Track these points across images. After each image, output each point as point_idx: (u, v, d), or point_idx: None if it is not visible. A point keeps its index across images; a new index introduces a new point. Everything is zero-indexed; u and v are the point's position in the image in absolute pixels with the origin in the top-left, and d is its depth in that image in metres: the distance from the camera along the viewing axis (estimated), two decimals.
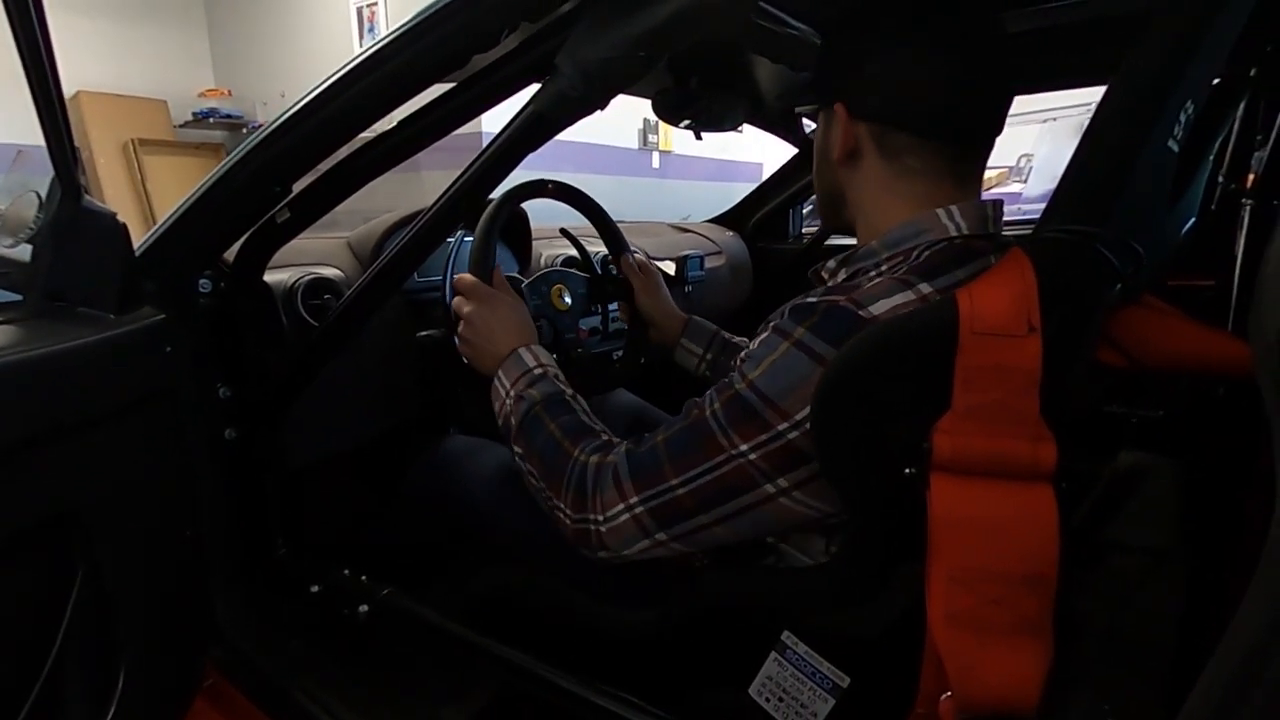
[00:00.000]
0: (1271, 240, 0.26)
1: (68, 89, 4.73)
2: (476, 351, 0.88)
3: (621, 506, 0.67)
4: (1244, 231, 0.92)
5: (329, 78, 0.74)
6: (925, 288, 0.59)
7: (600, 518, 0.68)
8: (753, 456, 0.61)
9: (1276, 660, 0.27)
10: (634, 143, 5.41)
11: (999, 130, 0.68)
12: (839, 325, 0.58)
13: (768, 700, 0.65)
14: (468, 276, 0.90)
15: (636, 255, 1.18)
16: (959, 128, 0.66)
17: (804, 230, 2.11)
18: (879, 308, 0.58)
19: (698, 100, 1.23)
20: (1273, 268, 0.26)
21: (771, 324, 0.65)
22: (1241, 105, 1.09)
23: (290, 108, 0.77)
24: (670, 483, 0.65)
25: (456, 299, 0.91)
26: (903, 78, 0.65)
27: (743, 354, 0.66)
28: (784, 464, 0.61)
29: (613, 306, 1.32)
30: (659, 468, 0.66)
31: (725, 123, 1.30)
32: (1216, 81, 1.01)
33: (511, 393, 0.81)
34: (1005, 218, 0.71)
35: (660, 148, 5.57)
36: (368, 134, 0.80)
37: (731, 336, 1.15)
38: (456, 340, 0.90)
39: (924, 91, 0.65)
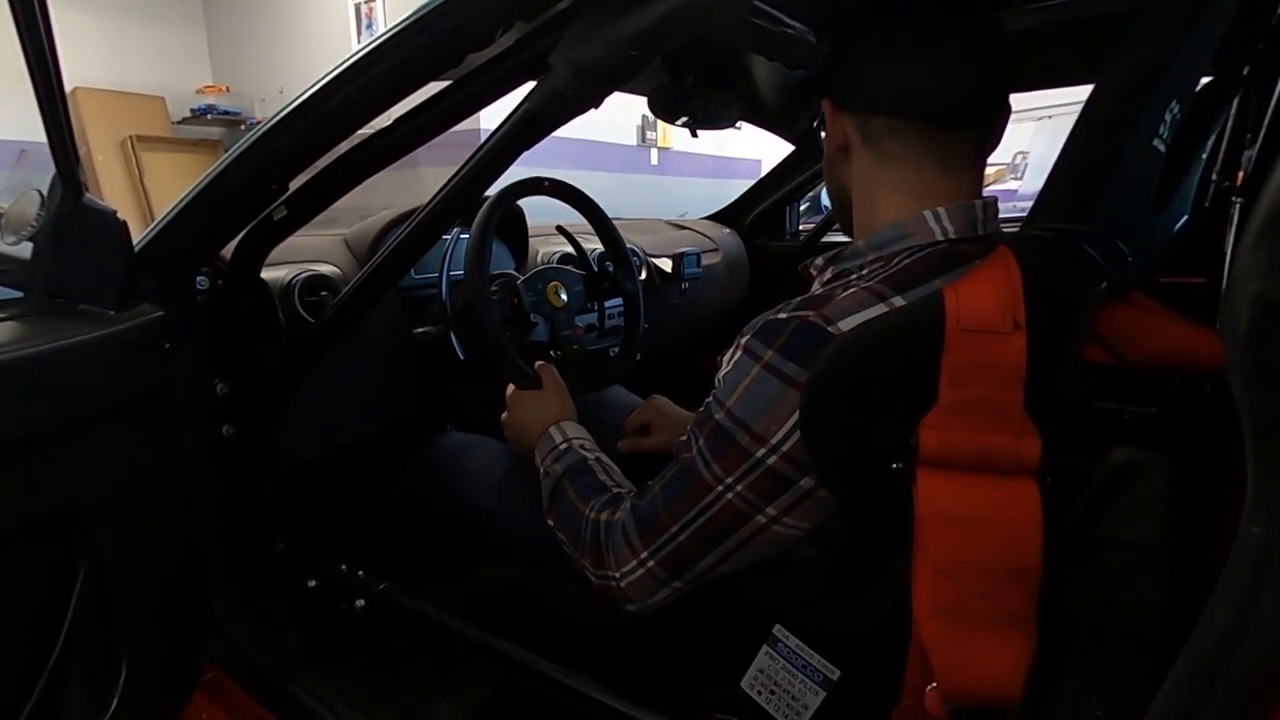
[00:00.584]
0: (1240, 240, 0.27)
1: (67, 85, 4.74)
2: (517, 449, 0.96)
3: (634, 563, 0.69)
4: (1233, 229, 0.93)
5: (325, 75, 0.75)
6: (898, 300, 0.59)
7: (617, 574, 0.70)
8: (739, 488, 0.62)
9: (1239, 656, 0.28)
10: (633, 139, 5.41)
11: (984, 113, 0.65)
12: (808, 342, 0.58)
13: (759, 693, 0.66)
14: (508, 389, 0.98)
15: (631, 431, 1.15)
16: (930, 106, 0.64)
17: (801, 227, 2.11)
18: (849, 323, 0.58)
19: (694, 98, 1.24)
20: (1241, 267, 0.27)
21: (742, 343, 0.64)
22: (1234, 103, 1.10)
23: (287, 105, 0.77)
24: (670, 530, 0.66)
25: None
26: (875, 63, 0.65)
27: (719, 374, 0.67)
28: (768, 492, 0.62)
29: (609, 304, 1.33)
30: (658, 517, 0.67)
31: (721, 120, 1.30)
32: (1209, 80, 1.01)
33: (542, 470, 0.85)
34: (1002, 215, 0.70)
35: (659, 145, 5.57)
36: (364, 131, 0.80)
37: None
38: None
39: (893, 71, 0.64)
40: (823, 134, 0.77)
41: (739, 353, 0.64)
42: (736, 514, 0.63)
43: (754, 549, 0.65)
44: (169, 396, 0.83)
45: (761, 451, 0.61)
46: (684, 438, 0.68)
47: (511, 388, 0.98)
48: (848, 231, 0.76)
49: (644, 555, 0.68)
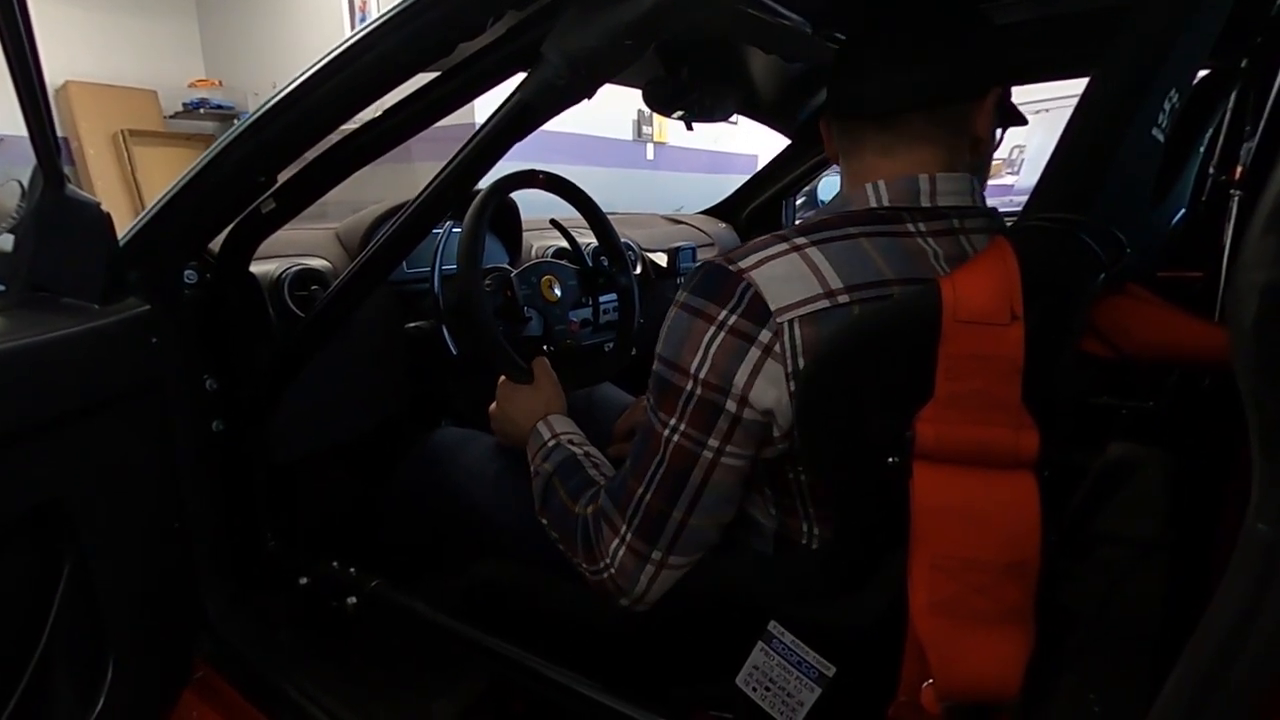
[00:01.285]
0: (1246, 231, 0.26)
1: (57, 79, 4.69)
2: (508, 441, 0.96)
3: (616, 541, 0.69)
4: (1232, 223, 0.92)
5: (314, 65, 0.74)
6: (801, 240, 0.62)
7: (606, 563, 0.70)
8: (682, 427, 0.64)
9: (1244, 656, 0.27)
10: (628, 134, 5.39)
11: (911, 103, 0.67)
12: (711, 281, 0.63)
13: (755, 690, 0.65)
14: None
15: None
16: (851, 106, 0.71)
17: (796, 222, 2.10)
18: (749, 261, 0.62)
19: (689, 91, 1.22)
20: (1247, 258, 0.26)
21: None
22: (1232, 96, 1.09)
23: (274, 96, 0.76)
24: (638, 493, 0.67)
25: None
26: (837, 72, 0.71)
27: None
28: (704, 423, 0.64)
29: (604, 298, 1.32)
30: (625, 486, 0.69)
31: (717, 113, 1.29)
32: (1206, 73, 1.01)
33: (533, 468, 0.85)
34: (1001, 210, 0.71)
35: (654, 139, 5.55)
36: (352, 124, 0.79)
37: None
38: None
39: (840, 75, 0.71)
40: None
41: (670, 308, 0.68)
42: (686, 455, 0.65)
43: (711, 492, 0.66)
44: (156, 392, 0.82)
45: (689, 384, 0.64)
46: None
47: (502, 379, 0.98)
48: None
49: (622, 529, 0.68)
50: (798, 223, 0.71)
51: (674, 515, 0.66)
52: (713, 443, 0.64)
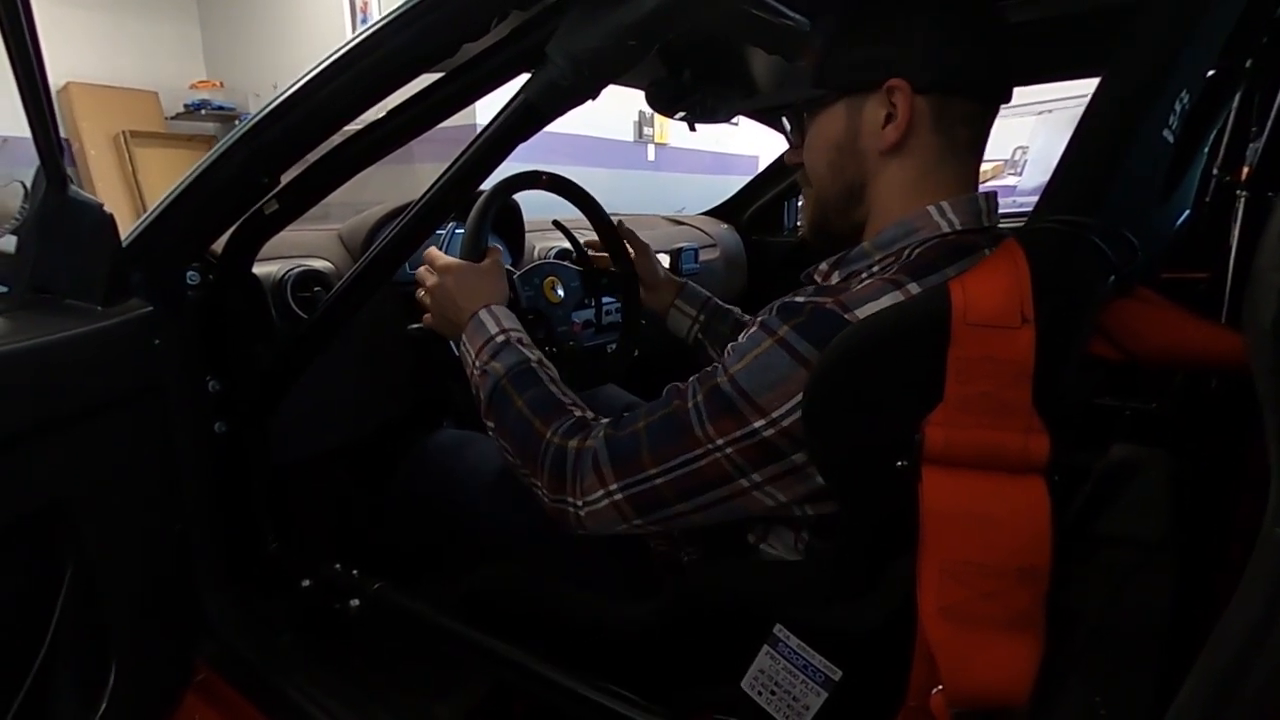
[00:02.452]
0: (1265, 231, 0.26)
1: (58, 80, 4.70)
2: (440, 323, 0.90)
3: (601, 493, 0.68)
4: (1238, 223, 0.92)
5: (317, 66, 0.73)
6: (914, 287, 0.59)
7: (580, 502, 0.69)
8: (729, 451, 0.62)
9: (1261, 663, 0.27)
10: (629, 135, 5.39)
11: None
12: (824, 328, 0.58)
13: (760, 693, 0.65)
14: (432, 250, 0.92)
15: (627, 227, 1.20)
16: (997, 86, 0.67)
17: (799, 223, 2.10)
18: (866, 310, 0.58)
19: (692, 92, 1.22)
20: (1266, 258, 0.26)
21: (759, 319, 0.64)
22: (1236, 97, 1.09)
23: (277, 97, 0.76)
24: (649, 472, 0.66)
25: (421, 270, 0.92)
26: (952, 41, 0.64)
27: (730, 345, 0.67)
28: (758, 459, 0.62)
29: (606, 300, 1.32)
30: (638, 456, 0.66)
31: (719, 114, 1.29)
32: (1211, 73, 1.00)
33: (476, 364, 0.81)
34: (1002, 210, 0.71)
35: (656, 140, 5.55)
36: (355, 125, 0.79)
37: (722, 303, 1.17)
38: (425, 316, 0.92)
39: (971, 52, 0.65)
40: (812, 123, 0.73)
41: (754, 327, 0.64)
42: (721, 473, 0.63)
43: (728, 508, 0.65)
44: (158, 393, 0.82)
45: (760, 423, 0.61)
46: (682, 384, 0.68)
47: (438, 253, 0.91)
48: (831, 231, 0.75)
49: (613, 487, 0.67)
50: (880, 259, 0.67)
51: (678, 506, 0.66)
52: (756, 477, 0.63)
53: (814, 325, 0.59)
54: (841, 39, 0.69)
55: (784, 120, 0.81)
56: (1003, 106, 0.70)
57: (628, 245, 1.19)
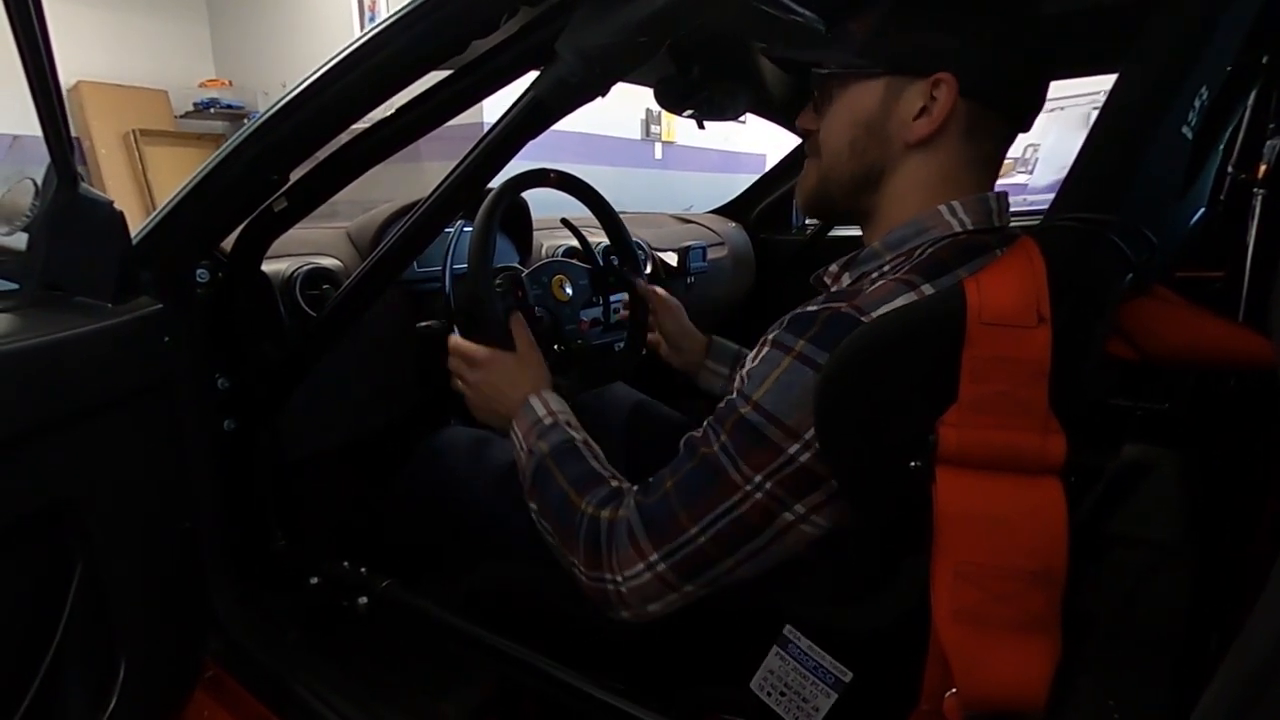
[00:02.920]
0: None
1: (68, 79, 4.72)
2: (487, 416, 0.86)
3: (642, 565, 0.63)
4: (1255, 222, 0.91)
5: (326, 63, 0.73)
6: (928, 288, 0.58)
7: (619, 578, 0.65)
8: (769, 486, 0.59)
9: None
10: (637, 133, 5.39)
11: None
12: (841, 333, 0.56)
13: (769, 694, 0.65)
14: (459, 342, 0.89)
15: (649, 285, 1.17)
16: (1029, 112, 0.67)
17: (807, 221, 2.09)
18: (882, 311, 0.56)
19: (700, 89, 1.22)
20: None
21: (770, 337, 0.62)
22: (1252, 94, 1.07)
23: (286, 94, 0.75)
24: (689, 532, 0.61)
25: (453, 362, 0.89)
26: (1010, 53, 0.63)
27: (742, 372, 0.64)
28: (799, 489, 0.59)
29: (614, 298, 1.31)
30: (674, 518, 0.62)
31: (728, 112, 1.28)
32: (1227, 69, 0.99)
33: (524, 446, 0.78)
34: (1012, 209, 0.70)
35: (663, 138, 5.54)
36: (364, 123, 0.79)
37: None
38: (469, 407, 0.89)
39: (1022, 70, 0.64)
40: (833, 104, 0.70)
41: (766, 347, 0.62)
42: (765, 513, 0.60)
43: (778, 550, 0.62)
44: (168, 390, 0.82)
45: (795, 447, 0.58)
46: (698, 432, 0.65)
47: (469, 345, 0.88)
48: (831, 208, 0.73)
49: (654, 558, 0.63)
50: (892, 259, 0.65)
51: (726, 562, 0.62)
52: (800, 509, 0.59)
53: (831, 331, 0.57)
54: (902, 15, 0.65)
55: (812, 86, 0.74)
56: None
57: (651, 305, 1.14)
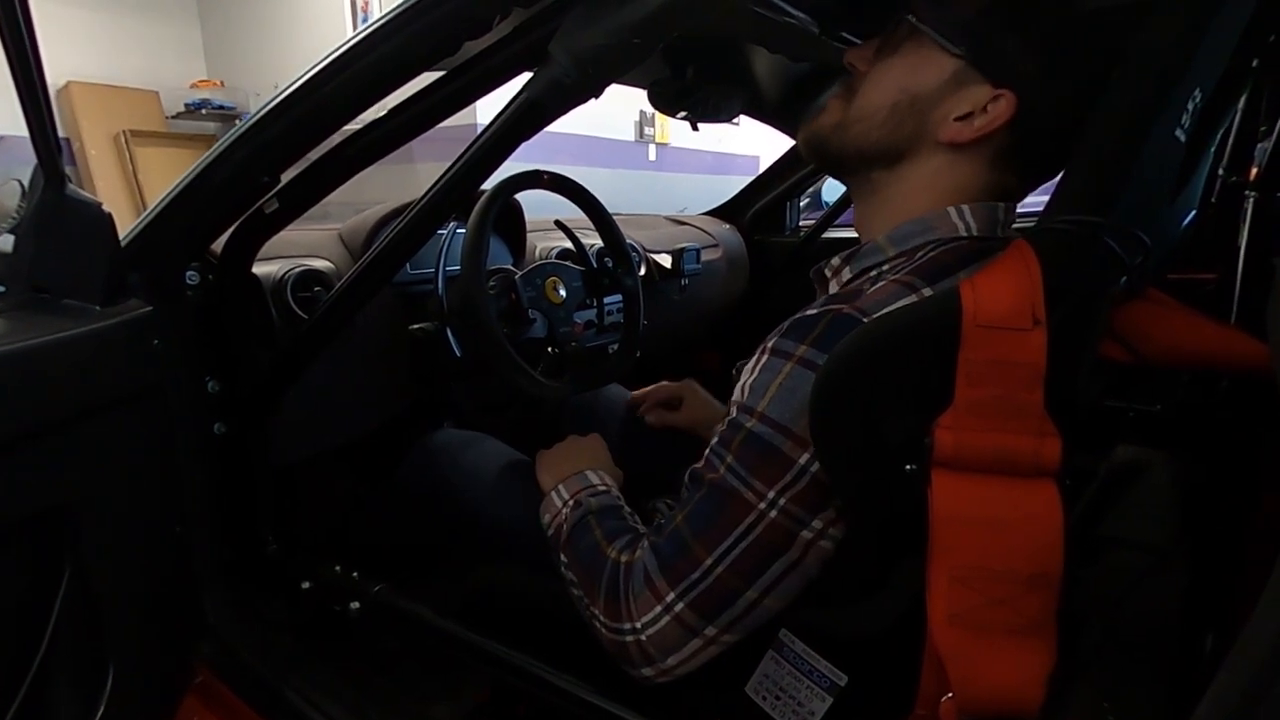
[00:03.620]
0: None
1: (59, 79, 4.69)
2: (546, 464, 0.87)
3: (659, 609, 0.60)
4: (1247, 224, 0.91)
5: (317, 63, 0.73)
6: (928, 291, 0.57)
7: (637, 625, 0.62)
8: (783, 503, 0.57)
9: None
10: (630, 135, 5.39)
11: None
12: (844, 334, 0.54)
13: (764, 698, 0.64)
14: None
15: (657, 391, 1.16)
16: (1059, 163, 0.60)
17: (801, 223, 2.10)
18: (883, 314, 0.56)
19: (694, 91, 1.22)
20: None
21: (769, 345, 0.60)
22: (1243, 97, 1.08)
23: (277, 95, 0.75)
24: (705, 564, 0.59)
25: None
26: (1070, 102, 0.59)
27: (742, 385, 0.61)
28: (813, 503, 0.57)
29: (609, 300, 1.31)
30: (687, 551, 0.59)
31: (722, 114, 1.28)
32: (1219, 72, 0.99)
33: (570, 501, 0.77)
34: None
35: (657, 140, 5.55)
36: (356, 124, 0.78)
37: None
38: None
39: (1069, 122, 0.57)
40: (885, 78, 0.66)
41: (765, 356, 0.60)
42: (782, 533, 0.57)
43: (799, 575, 0.59)
44: (158, 394, 0.81)
45: (805, 457, 0.56)
46: (700, 463, 0.63)
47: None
48: (836, 152, 0.69)
49: (670, 598, 0.60)
50: (894, 257, 0.64)
51: (748, 594, 0.59)
52: (817, 524, 0.57)
53: (833, 335, 0.56)
54: (1007, 15, 0.62)
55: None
56: None
57: (683, 394, 1.13)
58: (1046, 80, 0.61)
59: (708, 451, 0.62)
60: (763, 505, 0.57)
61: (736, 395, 0.62)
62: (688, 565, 0.59)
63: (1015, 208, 0.66)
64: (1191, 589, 0.71)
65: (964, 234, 0.63)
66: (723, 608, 0.59)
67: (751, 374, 0.61)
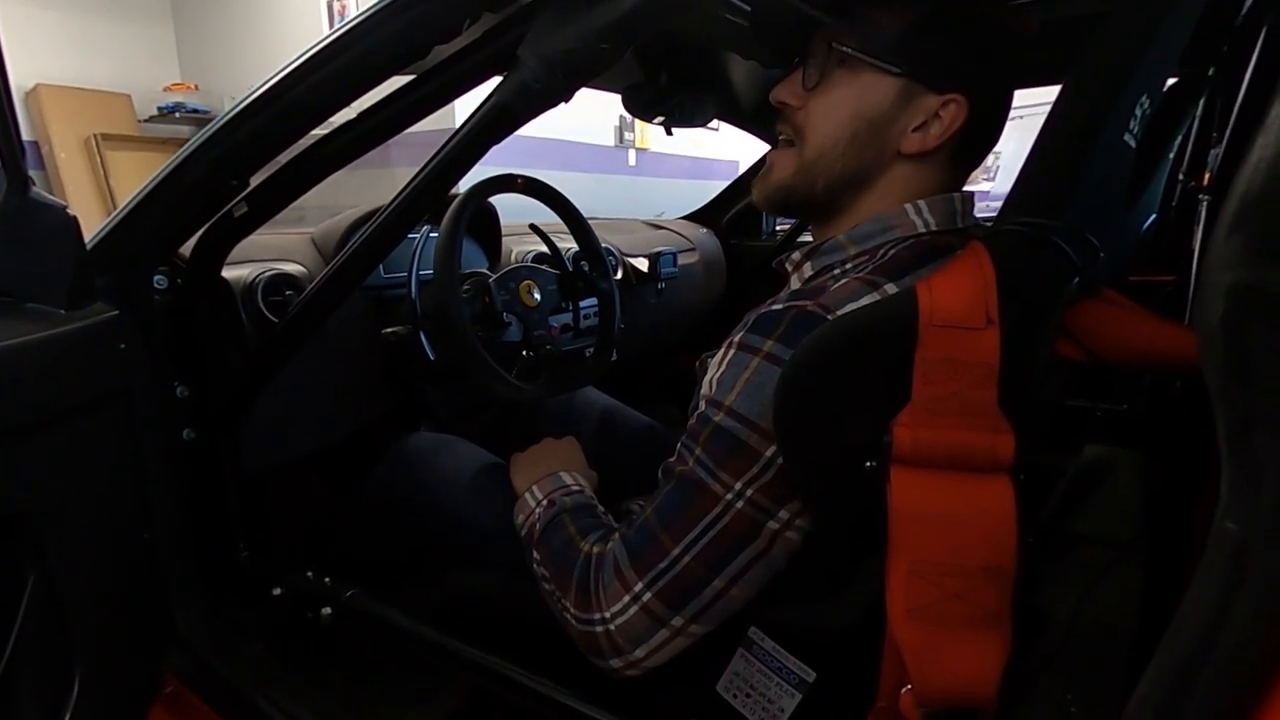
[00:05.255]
0: (1213, 234, 0.26)
1: (27, 82, 4.58)
2: (520, 466, 0.87)
3: (627, 598, 0.61)
4: (1200, 227, 0.94)
5: (287, 66, 0.73)
6: (891, 288, 0.59)
7: (606, 615, 0.62)
8: (750, 494, 0.58)
9: (1216, 651, 0.27)
10: (610, 140, 5.39)
11: None
12: (808, 331, 0.55)
13: (735, 696, 0.65)
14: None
15: None
16: (993, 144, 0.68)
17: (778, 228, 2.12)
18: (847, 310, 0.57)
19: (669, 96, 1.23)
20: (1212, 260, 0.26)
21: (735, 340, 0.61)
22: (1200, 104, 1.11)
23: (245, 98, 0.75)
24: (673, 553, 0.60)
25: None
26: (1011, 82, 0.66)
27: (710, 378, 0.62)
28: (779, 495, 0.58)
29: (584, 303, 1.32)
30: (655, 541, 0.61)
31: (697, 118, 1.29)
32: (1175, 81, 1.03)
33: (543, 501, 0.77)
34: (977, 214, 0.71)
35: (636, 145, 5.56)
36: (325, 128, 0.78)
37: None
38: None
39: (1009, 102, 0.66)
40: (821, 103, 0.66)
41: (732, 350, 0.61)
42: (748, 523, 0.58)
43: (765, 566, 0.60)
44: (125, 399, 0.80)
45: (771, 450, 0.57)
46: (672, 457, 0.64)
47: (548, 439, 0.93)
48: (812, 217, 0.72)
49: (638, 587, 0.61)
50: (855, 256, 0.65)
51: (714, 583, 0.60)
52: (784, 515, 0.59)
53: (798, 331, 0.57)
54: (937, 24, 0.63)
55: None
56: None
57: None
58: (990, 76, 0.64)
59: (679, 445, 0.64)
60: (729, 496, 0.59)
61: (704, 389, 0.63)
62: (656, 555, 0.60)
63: (973, 196, 0.68)
64: (1149, 583, 0.73)
65: (923, 230, 0.64)
66: (689, 597, 0.60)
67: (719, 368, 0.62)
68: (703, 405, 0.62)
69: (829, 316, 0.57)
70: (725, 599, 0.61)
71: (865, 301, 0.58)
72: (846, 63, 0.64)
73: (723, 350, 0.63)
